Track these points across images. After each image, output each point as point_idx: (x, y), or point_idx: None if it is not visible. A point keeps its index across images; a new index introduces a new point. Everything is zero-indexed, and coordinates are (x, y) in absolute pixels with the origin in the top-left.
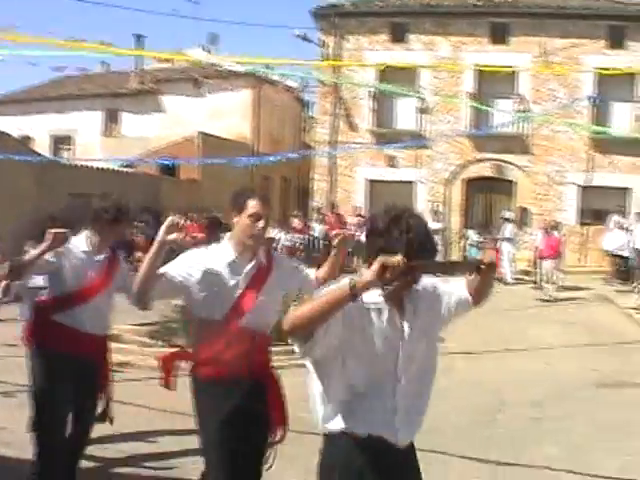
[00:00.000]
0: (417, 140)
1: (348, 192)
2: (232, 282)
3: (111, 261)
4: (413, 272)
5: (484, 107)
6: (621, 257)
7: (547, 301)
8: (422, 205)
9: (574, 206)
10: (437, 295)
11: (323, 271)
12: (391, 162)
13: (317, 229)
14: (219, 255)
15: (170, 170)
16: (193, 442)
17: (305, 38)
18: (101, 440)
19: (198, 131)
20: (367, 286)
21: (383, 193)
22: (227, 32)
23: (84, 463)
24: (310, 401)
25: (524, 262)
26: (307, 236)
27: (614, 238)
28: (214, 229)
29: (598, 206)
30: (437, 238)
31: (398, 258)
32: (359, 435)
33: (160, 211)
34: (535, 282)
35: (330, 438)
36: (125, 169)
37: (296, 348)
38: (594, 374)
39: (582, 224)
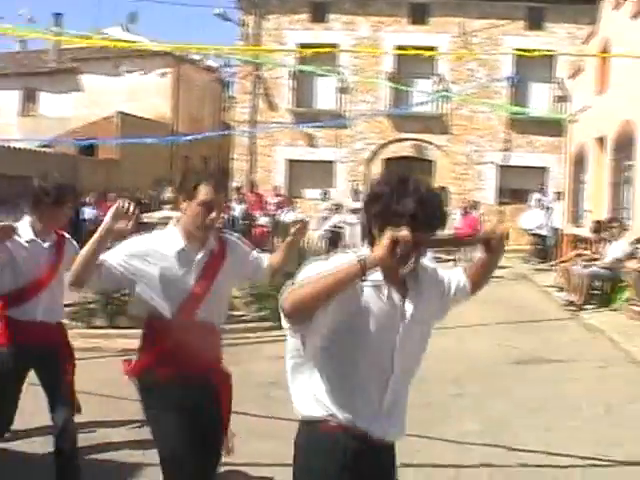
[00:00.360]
0: (337, 120)
1: (268, 172)
2: (182, 273)
3: (60, 245)
4: (422, 247)
5: (403, 87)
6: (539, 236)
7: None
8: (342, 185)
9: (493, 186)
10: (438, 279)
11: (276, 257)
12: (311, 142)
13: (237, 209)
14: (166, 243)
15: (89, 150)
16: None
17: (225, 17)
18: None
19: (117, 111)
20: (378, 263)
21: (303, 173)
22: (147, 10)
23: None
24: (290, 387)
25: None
26: (227, 215)
27: (532, 217)
28: None
29: (516, 185)
30: (357, 217)
31: (407, 232)
32: (343, 425)
33: (79, 191)
34: (454, 261)
35: (307, 435)
36: (43, 149)
37: (286, 327)
38: (512, 351)
39: (501, 203)
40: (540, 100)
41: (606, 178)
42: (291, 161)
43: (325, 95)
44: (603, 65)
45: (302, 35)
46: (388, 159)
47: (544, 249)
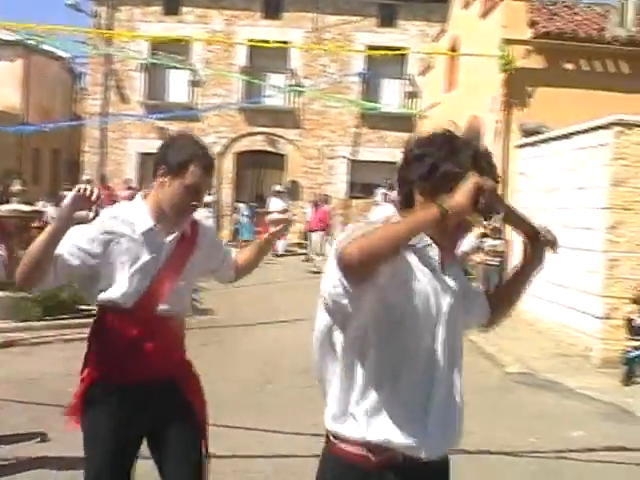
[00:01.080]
0: (187, 111)
1: (119, 165)
2: (148, 257)
3: None
4: (496, 208)
5: (256, 81)
6: None
7: (317, 272)
8: None
9: (344, 180)
10: (464, 280)
11: (244, 255)
12: (163, 135)
13: None
14: (132, 221)
15: None
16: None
17: (77, 8)
18: None
19: None
20: (460, 210)
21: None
22: None
23: None
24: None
25: (296, 235)
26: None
27: (383, 211)
28: None
29: (367, 180)
30: (209, 211)
31: (493, 182)
32: (373, 444)
33: None
34: (306, 254)
35: (330, 450)
36: None
37: (337, 289)
38: None
39: (351, 197)
40: (391, 96)
41: None
42: (143, 154)
43: (177, 88)
44: (452, 63)
45: (155, 27)
46: (240, 153)
47: None
